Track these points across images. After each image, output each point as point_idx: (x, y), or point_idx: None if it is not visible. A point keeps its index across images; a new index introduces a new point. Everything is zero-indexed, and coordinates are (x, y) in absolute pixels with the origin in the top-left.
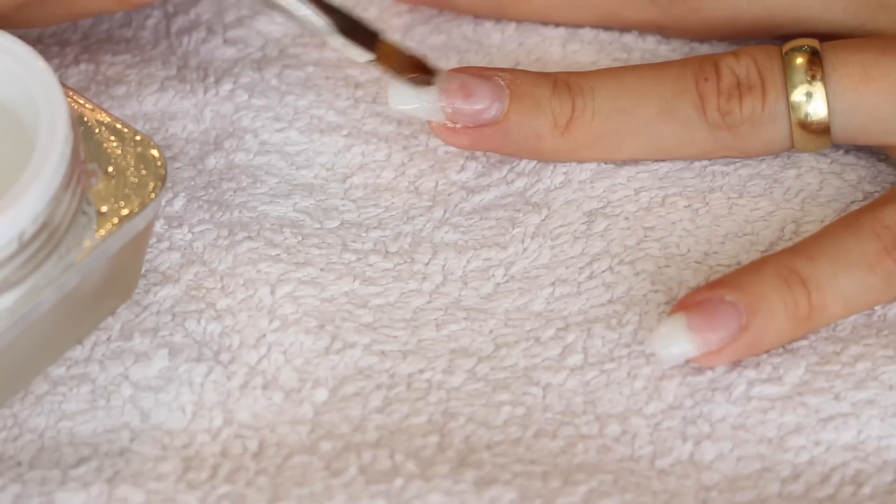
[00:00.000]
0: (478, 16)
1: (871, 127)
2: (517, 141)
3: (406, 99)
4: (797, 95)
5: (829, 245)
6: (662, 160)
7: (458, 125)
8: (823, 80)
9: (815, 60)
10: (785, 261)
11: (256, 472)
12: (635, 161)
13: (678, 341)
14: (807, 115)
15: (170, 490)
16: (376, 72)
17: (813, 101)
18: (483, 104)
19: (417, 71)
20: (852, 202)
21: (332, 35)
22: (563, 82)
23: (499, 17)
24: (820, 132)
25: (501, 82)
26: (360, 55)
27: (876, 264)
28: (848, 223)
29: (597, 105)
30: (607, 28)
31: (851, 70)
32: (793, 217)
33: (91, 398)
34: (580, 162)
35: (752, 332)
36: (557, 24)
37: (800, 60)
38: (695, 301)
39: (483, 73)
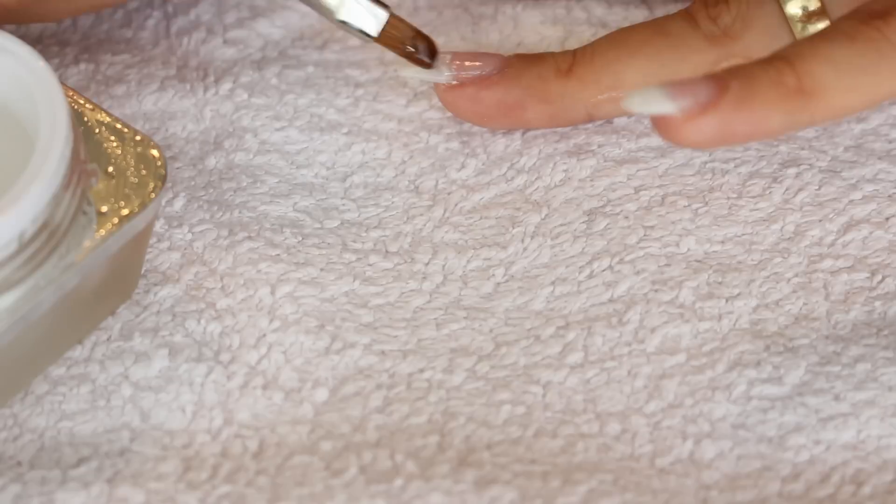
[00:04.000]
0: None
1: None
2: (521, 83)
3: (415, 68)
4: (792, 8)
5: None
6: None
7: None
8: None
9: None
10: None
11: (256, 472)
12: (644, 80)
13: (655, 97)
14: (804, 26)
15: (170, 490)
16: (381, 49)
17: (806, 8)
18: (488, 65)
19: (421, 45)
20: (851, 200)
21: (338, 14)
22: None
23: None
24: (818, 15)
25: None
26: (369, 28)
27: (856, 34)
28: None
29: (595, 46)
30: (605, 27)
31: None
32: (792, 218)
33: (91, 398)
34: (591, 111)
35: (732, 92)
36: None
37: None
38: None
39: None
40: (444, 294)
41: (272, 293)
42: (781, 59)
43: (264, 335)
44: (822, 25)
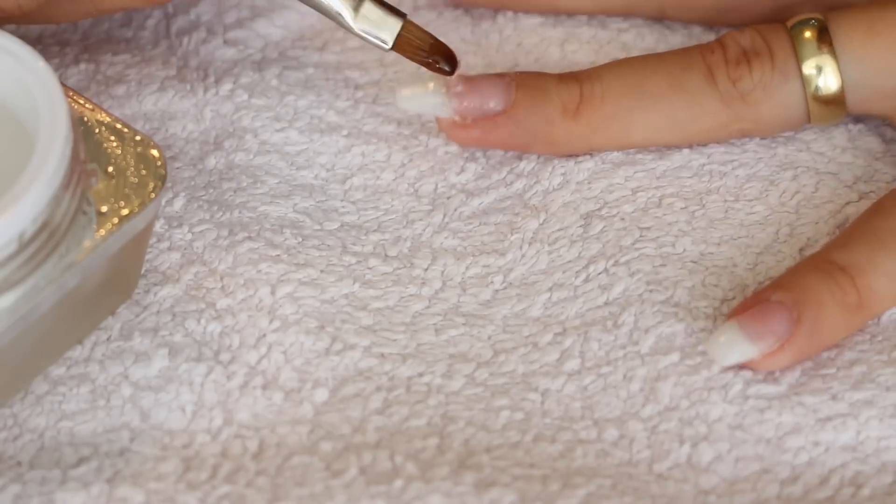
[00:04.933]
0: (478, 5)
1: (882, 84)
2: (527, 127)
3: (413, 98)
4: (808, 68)
5: (859, 230)
6: (680, 143)
7: (467, 120)
8: (833, 53)
9: (825, 35)
10: (821, 255)
11: (256, 473)
12: (652, 141)
13: (736, 346)
14: (818, 88)
15: (170, 490)
16: (398, 56)
17: (824, 74)
18: (491, 98)
19: (439, 55)
20: (847, 203)
21: (354, 21)
22: (569, 74)
23: (500, 7)
24: (834, 101)
25: (508, 79)
26: (385, 35)
27: None
28: (872, 207)
29: (605, 86)
30: (605, 28)
31: (857, 26)
32: (787, 220)
33: (91, 398)
34: (596, 150)
35: (805, 325)
36: (558, 12)
37: (808, 34)
38: (744, 307)
39: (488, 75)
40: (442, 300)
41: (272, 293)
42: (840, 270)
43: (264, 335)
44: (839, 108)
